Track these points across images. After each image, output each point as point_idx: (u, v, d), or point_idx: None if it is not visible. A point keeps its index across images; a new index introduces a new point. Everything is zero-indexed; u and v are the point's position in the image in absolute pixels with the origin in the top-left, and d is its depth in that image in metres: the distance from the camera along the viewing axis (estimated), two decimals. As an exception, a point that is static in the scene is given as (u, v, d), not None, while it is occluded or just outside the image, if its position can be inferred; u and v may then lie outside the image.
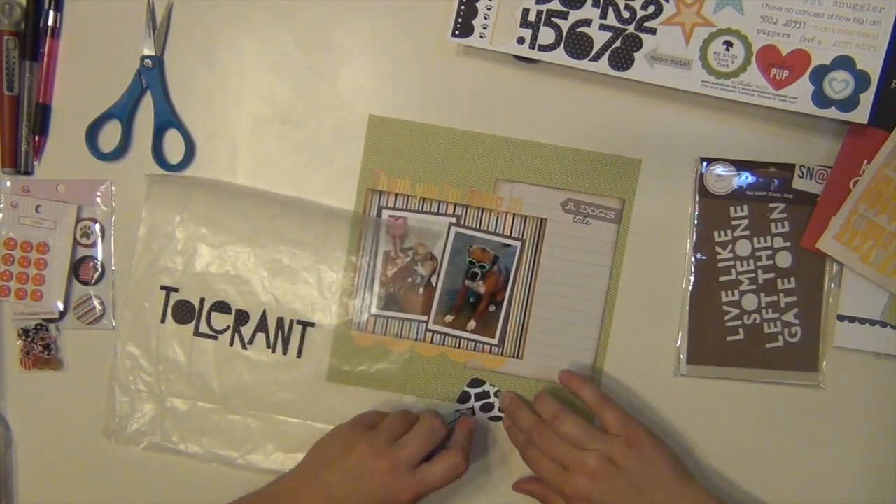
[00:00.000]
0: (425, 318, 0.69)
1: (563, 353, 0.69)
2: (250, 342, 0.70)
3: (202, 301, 0.70)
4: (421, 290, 0.69)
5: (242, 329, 0.70)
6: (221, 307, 0.70)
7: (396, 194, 0.69)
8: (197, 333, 0.70)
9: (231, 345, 0.70)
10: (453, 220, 0.69)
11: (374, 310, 0.69)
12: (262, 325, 0.70)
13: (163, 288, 0.70)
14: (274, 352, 0.70)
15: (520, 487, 0.69)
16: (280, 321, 0.69)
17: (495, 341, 0.69)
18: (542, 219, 0.68)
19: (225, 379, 0.70)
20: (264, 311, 0.69)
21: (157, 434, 0.70)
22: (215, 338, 0.70)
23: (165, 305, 0.70)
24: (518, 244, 0.69)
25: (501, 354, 0.69)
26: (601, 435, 0.63)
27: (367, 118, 0.69)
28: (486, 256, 0.69)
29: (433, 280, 0.69)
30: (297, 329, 0.69)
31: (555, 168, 0.68)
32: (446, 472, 0.63)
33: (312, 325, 0.69)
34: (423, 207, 0.69)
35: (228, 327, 0.70)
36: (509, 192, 0.68)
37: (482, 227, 0.69)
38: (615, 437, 0.62)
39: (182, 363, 0.70)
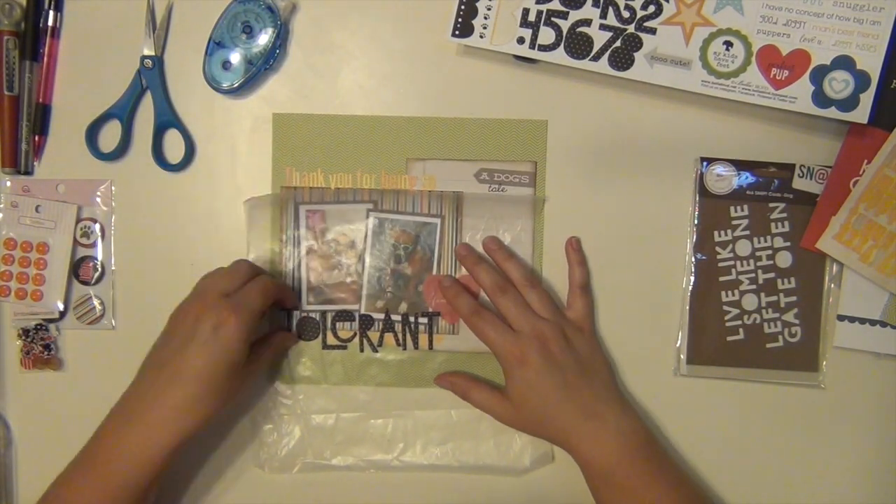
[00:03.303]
0: (356, 306, 0.70)
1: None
2: (380, 344, 0.70)
3: (324, 314, 0.70)
4: (348, 280, 0.69)
5: (369, 333, 0.70)
6: (344, 316, 0.70)
7: (311, 188, 0.69)
8: (325, 347, 0.70)
9: (361, 350, 0.70)
10: (370, 206, 0.69)
11: (305, 305, 0.70)
12: (388, 325, 0.70)
13: (283, 309, 0.70)
14: (405, 349, 0.70)
15: (441, 380, 0.69)
16: (405, 317, 0.70)
17: (426, 320, 0.70)
18: (457, 192, 0.69)
19: (362, 385, 0.70)
20: (387, 311, 0.70)
21: (309, 454, 0.70)
22: (344, 347, 0.70)
23: (289, 326, 0.70)
24: (438, 220, 0.69)
25: (437, 332, 0.70)
26: (561, 312, 0.66)
27: (271, 116, 0.69)
28: (407, 237, 0.69)
29: (359, 268, 0.69)
30: (423, 321, 0.70)
31: (464, 141, 0.69)
32: (258, 288, 0.62)
33: (439, 315, 0.70)
34: (339, 198, 0.69)
35: (355, 334, 0.70)
36: (421, 171, 0.69)
37: (400, 209, 0.69)
38: (572, 320, 0.66)
39: (317, 379, 0.70)
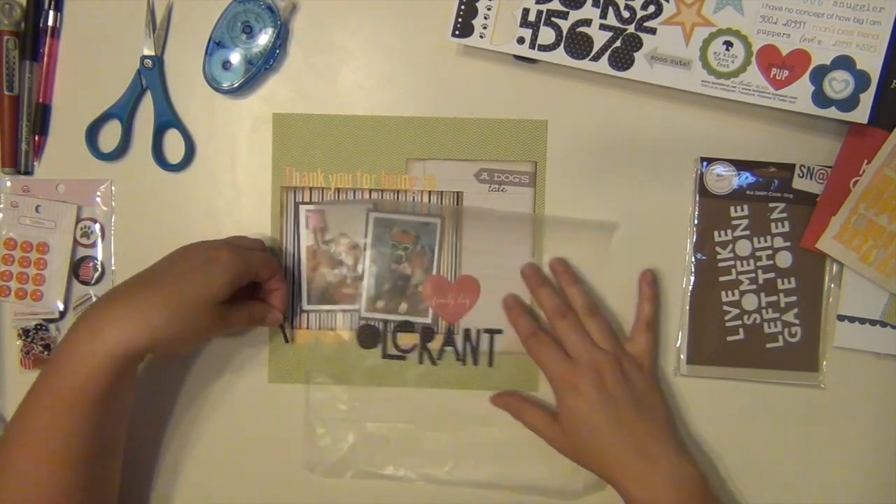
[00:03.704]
0: (356, 306, 0.70)
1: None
2: (440, 357, 0.70)
3: (386, 323, 0.69)
4: (348, 280, 0.69)
5: (429, 345, 0.69)
6: (406, 326, 0.69)
7: (311, 188, 0.69)
8: (385, 356, 0.70)
9: (420, 362, 0.70)
10: (370, 206, 0.69)
11: (305, 305, 0.70)
12: (448, 339, 0.69)
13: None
14: (464, 364, 0.69)
15: (498, 399, 0.68)
16: (467, 332, 0.69)
17: (429, 320, 0.70)
18: (457, 192, 0.69)
19: (419, 397, 0.70)
20: (450, 325, 0.69)
21: (361, 461, 0.69)
22: (404, 358, 0.70)
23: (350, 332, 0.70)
24: (438, 220, 0.69)
25: (437, 332, 0.70)
26: (622, 346, 0.65)
27: (271, 116, 0.69)
28: (407, 238, 0.69)
29: (359, 268, 0.69)
30: (485, 338, 0.69)
31: (464, 141, 0.69)
32: (260, 256, 0.63)
33: (500, 332, 0.69)
34: (338, 198, 0.69)
35: (416, 346, 0.70)
36: (421, 171, 0.69)
37: (400, 210, 0.69)
38: (632, 354, 0.65)
39: (375, 387, 0.70)
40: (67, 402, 0.55)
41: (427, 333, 0.69)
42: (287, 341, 0.69)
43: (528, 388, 0.69)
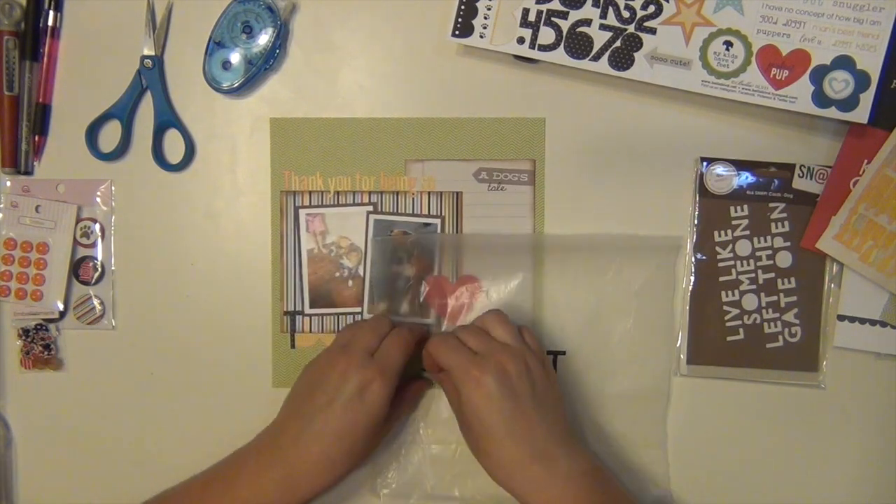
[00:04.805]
0: (358, 309, 0.70)
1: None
2: None
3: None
4: (350, 283, 0.69)
5: None
6: None
7: (310, 192, 0.69)
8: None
9: None
10: (370, 208, 0.69)
11: (307, 309, 0.70)
12: None
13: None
14: None
15: (426, 365, 0.66)
16: None
17: (432, 321, 0.70)
18: (457, 192, 0.69)
19: None
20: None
21: (427, 483, 0.69)
22: None
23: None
24: (438, 221, 0.69)
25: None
26: (525, 342, 0.63)
27: (269, 122, 0.69)
28: (408, 238, 0.69)
29: (360, 270, 0.69)
30: (548, 359, 0.68)
31: (462, 141, 0.69)
32: (398, 343, 0.62)
33: (563, 353, 0.69)
34: (338, 201, 0.69)
35: None
36: (420, 172, 0.69)
37: (400, 211, 0.69)
38: (534, 353, 0.62)
39: (437, 409, 0.69)
40: None
41: None
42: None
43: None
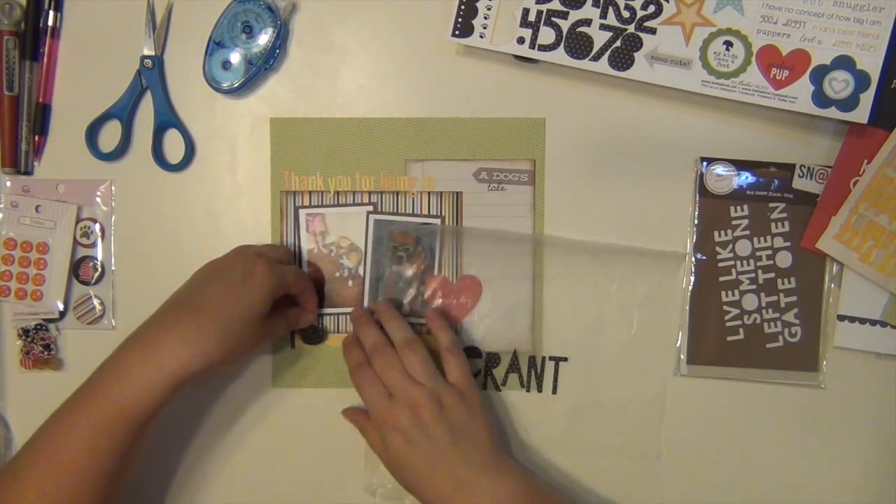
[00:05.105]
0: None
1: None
2: (503, 383, 0.69)
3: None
4: (350, 283, 0.69)
5: (494, 371, 0.69)
6: (471, 352, 0.69)
7: (310, 192, 0.69)
8: None
9: (485, 388, 0.69)
10: (370, 208, 0.69)
11: None
12: (513, 365, 0.69)
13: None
14: (528, 390, 0.69)
15: (348, 414, 0.68)
16: (531, 359, 0.69)
17: (553, 364, 0.70)
18: (457, 192, 0.69)
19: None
20: (515, 351, 0.69)
21: None
22: None
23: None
24: (438, 221, 0.69)
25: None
26: (440, 377, 0.63)
27: (269, 122, 0.69)
28: (408, 239, 0.69)
29: (360, 270, 0.69)
30: (550, 365, 0.69)
31: (462, 141, 0.69)
32: (289, 260, 0.67)
33: (566, 360, 0.69)
34: (338, 201, 0.69)
35: (480, 371, 0.69)
36: (420, 172, 0.69)
37: (400, 211, 0.69)
38: (451, 385, 0.63)
39: None
40: (111, 424, 0.56)
41: (492, 359, 0.69)
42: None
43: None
